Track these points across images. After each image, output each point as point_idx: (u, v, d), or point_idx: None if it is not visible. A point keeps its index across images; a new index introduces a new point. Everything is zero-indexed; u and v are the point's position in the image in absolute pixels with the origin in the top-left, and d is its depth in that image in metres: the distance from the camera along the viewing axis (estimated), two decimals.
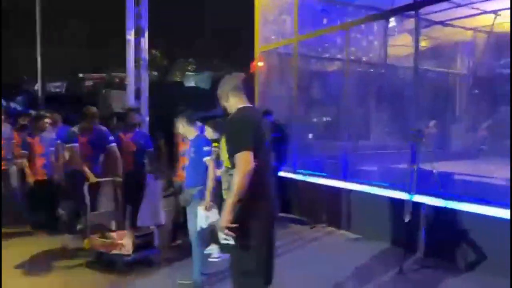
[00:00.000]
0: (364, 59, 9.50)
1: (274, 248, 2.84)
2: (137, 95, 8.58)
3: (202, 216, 3.76)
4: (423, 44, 9.26)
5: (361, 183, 5.69)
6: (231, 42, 25.80)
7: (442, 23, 7.91)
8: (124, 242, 4.20)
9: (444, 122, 8.33)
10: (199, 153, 3.91)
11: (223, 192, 2.90)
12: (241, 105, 2.77)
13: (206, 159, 3.91)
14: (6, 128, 6.23)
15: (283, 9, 8.40)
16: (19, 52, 24.09)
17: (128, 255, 4.19)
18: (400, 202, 4.79)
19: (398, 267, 4.29)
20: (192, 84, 23.63)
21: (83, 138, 5.08)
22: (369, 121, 8.74)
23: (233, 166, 2.64)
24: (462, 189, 4.75)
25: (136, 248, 4.25)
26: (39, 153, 5.90)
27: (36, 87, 21.40)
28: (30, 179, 5.88)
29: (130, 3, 8.45)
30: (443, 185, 4.65)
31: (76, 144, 5.01)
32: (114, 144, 5.15)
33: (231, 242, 2.58)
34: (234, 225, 2.52)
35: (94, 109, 5.21)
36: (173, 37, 26.27)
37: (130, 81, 8.50)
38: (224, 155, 2.87)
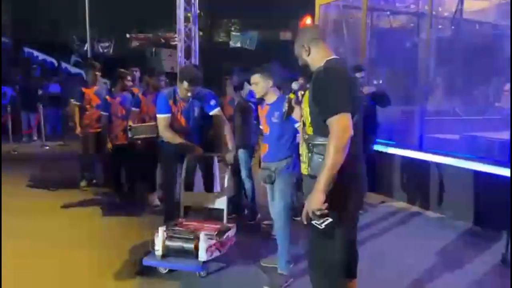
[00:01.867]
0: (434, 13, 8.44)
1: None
2: (188, 54, 8.17)
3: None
4: None
5: (444, 154, 4.92)
6: None
7: None
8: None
9: None
10: (282, 117, 3.11)
11: (302, 166, 2.31)
12: (328, 57, 2.24)
13: (298, 125, 3.10)
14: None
15: None
16: (68, 13, 24.26)
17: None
18: (498, 178, 4.08)
19: (500, 256, 3.62)
20: (238, 44, 22.98)
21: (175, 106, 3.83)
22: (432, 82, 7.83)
23: (319, 133, 2.13)
24: None
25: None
26: (120, 115, 5.13)
27: (85, 48, 21.59)
28: (109, 145, 5.18)
29: None
30: None
31: (169, 114, 3.77)
32: (218, 109, 3.89)
33: (326, 222, 2.13)
34: (326, 206, 2.03)
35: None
36: None
37: (181, 39, 8.06)
38: (307, 119, 2.24)
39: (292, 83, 2.91)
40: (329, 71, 2.15)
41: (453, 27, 8.18)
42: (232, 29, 30.47)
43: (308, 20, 25.67)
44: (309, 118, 2.20)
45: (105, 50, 24.52)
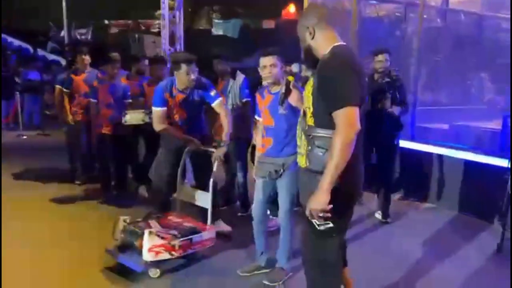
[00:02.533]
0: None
1: None
2: (172, 40, 7.94)
3: None
4: None
5: (436, 144, 4.90)
6: None
7: None
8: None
9: None
10: (293, 109, 2.92)
11: (299, 159, 2.15)
12: (335, 43, 2.06)
13: None
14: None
15: None
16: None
17: None
18: (490, 168, 4.10)
19: (495, 245, 3.64)
20: (220, 32, 22.60)
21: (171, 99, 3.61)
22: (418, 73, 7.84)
23: (321, 124, 2.00)
24: None
25: None
26: (106, 103, 4.83)
27: (62, 34, 20.91)
28: (95, 132, 4.97)
29: None
30: None
31: (165, 108, 3.56)
32: (220, 99, 3.66)
33: (326, 226, 2.02)
34: (330, 208, 1.92)
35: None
36: None
37: (165, 25, 7.80)
38: (308, 109, 2.06)
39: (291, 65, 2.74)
40: (337, 59, 1.99)
41: (439, 17, 8.20)
42: (214, 16, 29.94)
43: (292, 9, 25.16)
44: (311, 108, 2.05)
45: (83, 37, 23.83)
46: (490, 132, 4.74)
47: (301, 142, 2.13)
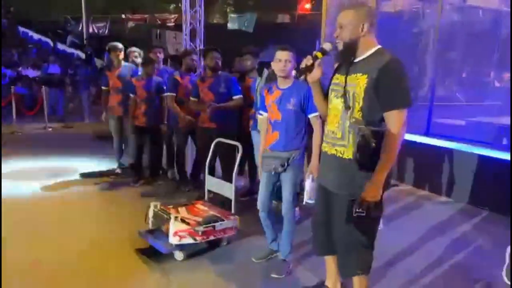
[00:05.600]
0: None
1: None
2: (192, 36, 8.13)
3: (311, 188, 2.96)
4: None
5: (451, 139, 5.03)
6: None
7: None
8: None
9: None
10: (299, 105, 3.05)
11: (341, 150, 2.25)
12: (378, 45, 2.23)
13: (313, 115, 3.05)
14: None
15: None
16: None
17: None
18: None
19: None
20: (235, 26, 22.68)
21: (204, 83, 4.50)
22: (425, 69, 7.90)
23: (369, 119, 2.15)
24: None
25: None
26: (141, 98, 5.08)
27: (80, 28, 21.26)
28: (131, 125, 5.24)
29: None
30: None
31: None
32: (240, 96, 4.47)
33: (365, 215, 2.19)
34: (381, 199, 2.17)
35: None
36: None
37: (186, 20, 8.00)
38: (357, 103, 2.17)
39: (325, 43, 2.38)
40: (398, 64, 2.13)
41: (457, 13, 8.25)
42: (228, 10, 29.99)
43: (307, 5, 25.01)
44: (361, 103, 2.17)
45: (100, 31, 24.17)
46: (505, 127, 4.85)
47: (345, 134, 2.25)
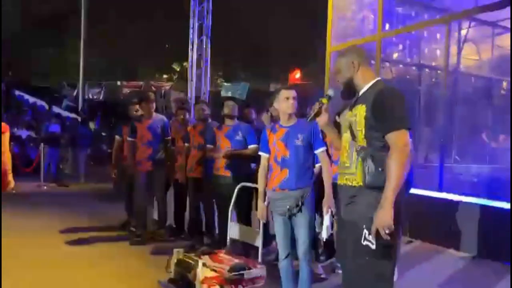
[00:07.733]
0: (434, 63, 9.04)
1: None
2: (198, 95, 8.33)
3: (328, 225, 2.92)
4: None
5: (464, 194, 5.04)
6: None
7: None
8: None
9: None
10: (308, 141, 3.08)
11: (350, 178, 2.28)
12: (377, 78, 2.36)
13: (321, 150, 3.11)
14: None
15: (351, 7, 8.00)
16: (57, 59, 24.53)
17: None
18: None
19: None
20: (229, 94, 23.43)
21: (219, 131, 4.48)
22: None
23: (372, 146, 2.21)
24: None
25: None
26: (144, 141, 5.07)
27: (75, 94, 21.66)
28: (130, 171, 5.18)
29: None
30: None
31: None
32: (256, 146, 4.21)
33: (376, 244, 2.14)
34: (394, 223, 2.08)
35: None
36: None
37: (193, 79, 8.24)
38: (360, 132, 2.25)
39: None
40: (391, 90, 2.26)
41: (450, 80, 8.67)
42: (218, 81, 31.05)
43: (297, 75, 26.11)
44: (364, 131, 2.25)
45: (95, 96, 24.67)
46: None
47: (352, 162, 2.29)
